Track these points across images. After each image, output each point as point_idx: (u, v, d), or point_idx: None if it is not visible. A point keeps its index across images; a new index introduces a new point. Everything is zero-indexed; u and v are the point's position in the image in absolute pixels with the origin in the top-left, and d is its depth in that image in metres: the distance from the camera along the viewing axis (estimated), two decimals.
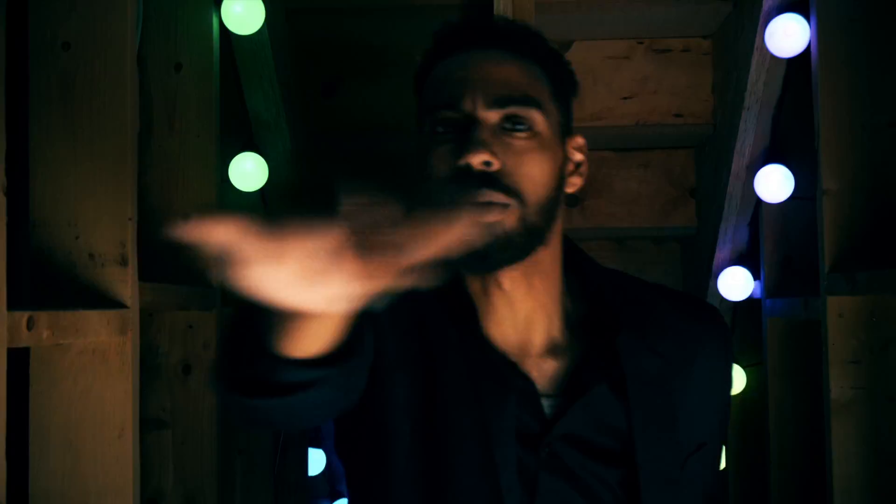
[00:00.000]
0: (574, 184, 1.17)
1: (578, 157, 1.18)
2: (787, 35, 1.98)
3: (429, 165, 1.08)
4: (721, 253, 2.44)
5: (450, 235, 0.67)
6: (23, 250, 1.45)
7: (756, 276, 2.39)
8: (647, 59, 2.51)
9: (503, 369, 1.11)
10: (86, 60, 1.49)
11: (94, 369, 1.47)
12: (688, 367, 1.18)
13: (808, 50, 1.99)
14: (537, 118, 1.10)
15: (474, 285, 1.15)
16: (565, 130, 1.16)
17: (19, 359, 1.39)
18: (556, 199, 1.13)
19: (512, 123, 1.09)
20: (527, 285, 1.13)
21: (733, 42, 2.29)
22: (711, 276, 2.46)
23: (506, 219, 1.06)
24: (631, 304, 1.18)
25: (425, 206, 0.67)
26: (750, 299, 2.43)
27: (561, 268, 1.17)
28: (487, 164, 1.05)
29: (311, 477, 2.81)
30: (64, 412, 1.47)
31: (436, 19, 2.32)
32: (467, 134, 1.06)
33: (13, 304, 1.13)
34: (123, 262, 1.47)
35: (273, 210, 0.67)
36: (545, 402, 1.12)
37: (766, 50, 2.04)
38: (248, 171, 2.19)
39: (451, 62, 1.13)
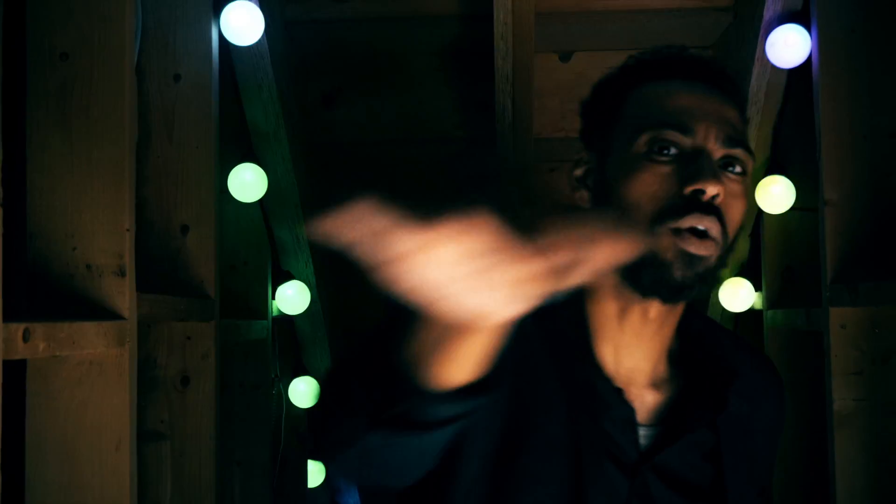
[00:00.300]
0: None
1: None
2: (788, 46, 1.98)
3: (638, 183, 1.08)
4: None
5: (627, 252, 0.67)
6: (19, 261, 1.44)
7: (757, 287, 2.39)
8: None
9: (608, 395, 1.11)
10: (84, 70, 1.48)
11: (92, 381, 1.45)
12: (758, 413, 1.21)
13: (808, 60, 1.99)
14: (749, 164, 1.11)
15: (608, 309, 1.14)
16: None
17: (16, 371, 1.38)
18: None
19: (728, 164, 1.09)
20: (664, 319, 1.14)
21: (734, 52, 2.29)
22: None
23: (712, 256, 1.07)
24: (728, 348, 1.21)
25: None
26: (751, 310, 2.42)
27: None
28: (715, 197, 1.05)
29: (311, 489, 2.80)
30: (61, 424, 1.45)
31: (436, 29, 2.34)
32: (698, 162, 1.06)
33: (9, 316, 1.12)
34: (121, 274, 1.46)
35: (428, 204, 0.64)
36: (641, 432, 1.13)
37: (767, 60, 2.04)
38: (248, 182, 2.19)
39: (675, 87, 1.12)
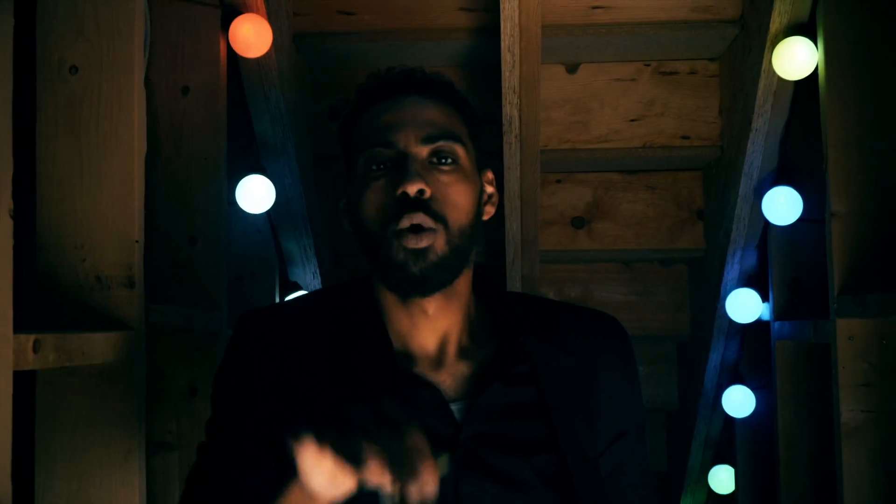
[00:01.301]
0: (488, 212, 1.33)
1: (490, 189, 1.34)
2: (795, 58, 1.98)
3: (365, 200, 1.23)
4: (729, 275, 2.44)
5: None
6: (29, 273, 1.45)
7: (765, 299, 2.39)
8: (654, 82, 2.51)
9: (410, 384, 1.22)
10: (93, 84, 1.49)
11: (101, 392, 1.46)
12: (593, 363, 1.30)
13: (815, 72, 1.99)
14: (460, 152, 1.25)
15: (397, 311, 1.27)
16: (481, 164, 1.31)
17: (26, 382, 1.39)
18: (477, 224, 1.28)
19: (438, 158, 1.24)
20: (446, 306, 1.27)
21: (740, 64, 2.29)
22: (719, 298, 2.46)
23: (436, 242, 1.21)
24: (535, 312, 1.32)
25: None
26: (758, 321, 2.42)
27: (471, 284, 1.31)
28: (421, 192, 1.20)
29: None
30: (70, 435, 1.46)
31: (443, 42, 2.35)
32: (402, 167, 1.21)
33: (19, 327, 1.12)
34: (130, 285, 1.47)
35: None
36: (454, 407, 1.23)
37: (774, 73, 2.04)
38: (255, 194, 2.19)
39: (379, 108, 1.27)
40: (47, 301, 1.47)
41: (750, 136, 2.20)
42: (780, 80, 2.06)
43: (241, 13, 1.99)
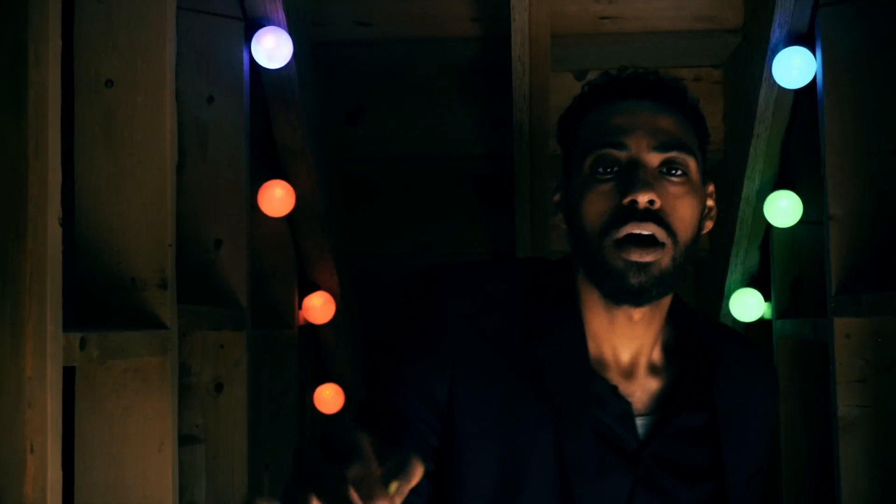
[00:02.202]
0: (707, 226, 1.29)
1: (711, 202, 1.29)
2: (794, 67, 2.05)
3: (587, 203, 1.19)
4: (733, 275, 2.51)
5: None
6: (69, 275, 1.54)
7: (767, 298, 2.46)
8: None
9: (604, 394, 1.21)
10: (128, 97, 1.58)
11: (136, 387, 1.55)
12: (751, 398, 1.30)
13: (814, 81, 2.07)
14: (691, 164, 1.20)
15: (599, 316, 1.24)
16: (705, 176, 1.27)
17: (66, 378, 1.48)
18: (698, 239, 1.24)
19: (668, 168, 1.19)
20: (650, 318, 1.24)
21: (742, 72, 2.37)
22: (724, 297, 2.53)
23: (663, 259, 1.16)
24: (716, 338, 1.31)
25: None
26: (761, 320, 2.49)
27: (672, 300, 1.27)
28: (652, 202, 1.15)
29: None
30: (107, 428, 1.55)
31: (455, 51, 2.44)
32: (632, 174, 1.17)
33: (66, 326, 1.21)
34: (163, 286, 1.56)
35: None
36: (639, 422, 1.22)
37: (774, 81, 2.11)
38: (276, 198, 2.29)
39: (611, 108, 1.23)
40: (86, 301, 1.56)
41: (752, 141, 2.27)
42: (781, 88, 2.14)
43: (263, 26, 2.07)
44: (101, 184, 1.58)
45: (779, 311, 2.41)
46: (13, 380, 1.10)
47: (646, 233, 1.15)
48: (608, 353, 1.25)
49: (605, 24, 2.37)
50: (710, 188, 1.29)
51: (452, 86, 2.59)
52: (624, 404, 1.21)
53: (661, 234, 1.15)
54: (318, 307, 2.55)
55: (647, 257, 1.15)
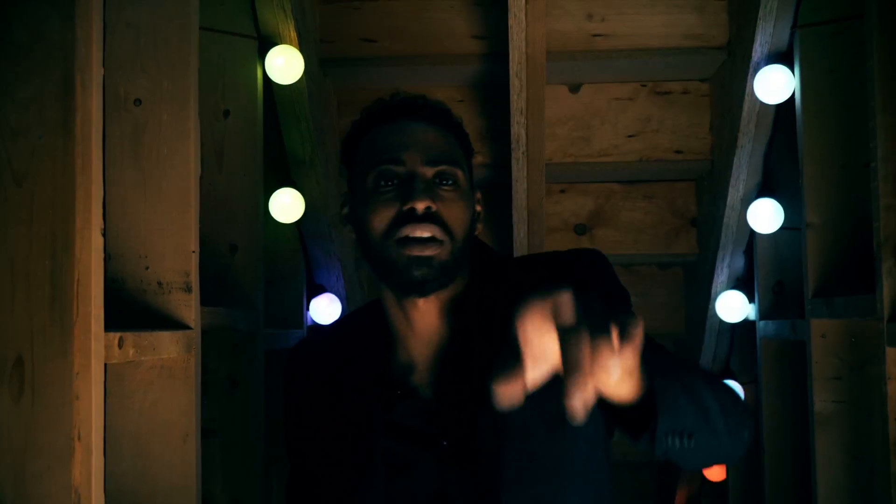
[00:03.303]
0: (479, 228, 1.45)
1: (479, 207, 1.45)
2: (774, 84, 2.18)
3: (372, 212, 1.35)
4: (719, 278, 2.63)
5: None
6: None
7: (751, 300, 2.58)
8: (650, 101, 2.71)
9: (392, 400, 1.40)
10: (155, 114, 1.70)
11: (162, 383, 1.67)
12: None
13: (793, 97, 2.19)
14: (459, 174, 1.38)
15: (398, 315, 1.43)
16: (472, 186, 1.44)
17: None
18: (472, 237, 1.41)
19: (440, 179, 1.36)
20: (439, 308, 1.40)
21: (728, 87, 2.49)
22: (711, 299, 2.65)
23: (440, 253, 1.33)
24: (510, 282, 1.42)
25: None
26: (746, 321, 2.61)
27: (462, 291, 1.43)
28: (428, 208, 1.33)
29: None
30: (135, 421, 1.67)
31: (457, 67, 2.55)
32: (410, 185, 1.34)
33: (106, 327, 1.33)
34: (188, 290, 1.68)
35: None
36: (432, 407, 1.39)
37: (756, 96, 2.24)
38: (287, 205, 2.40)
39: (387, 129, 1.40)
40: (115, 303, 1.68)
41: (736, 152, 2.39)
42: (762, 103, 2.26)
43: (275, 44, 2.20)
44: (129, 195, 1.69)
45: (762, 313, 2.52)
46: (62, 375, 1.21)
47: (426, 235, 1.32)
48: (416, 355, 1.42)
49: (598, 41, 2.49)
50: (478, 196, 1.46)
51: (454, 99, 2.70)
52: (415, 401, 1.38)
53: (438, 233, 1.33)
54: (325, 308, 2.66)
55: (427, 252, 1.32)
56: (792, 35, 2.19)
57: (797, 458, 2.45)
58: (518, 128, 2.35)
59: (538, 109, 2.34)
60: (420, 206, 1.32)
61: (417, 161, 1.36)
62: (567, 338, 0.85)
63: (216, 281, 2.14)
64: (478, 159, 2.74)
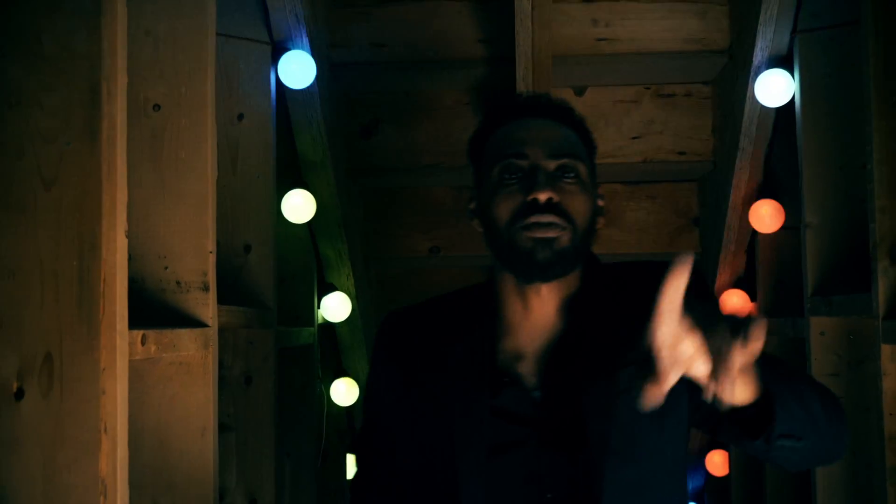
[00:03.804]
0: (601, 222, 1.52)
1: (601, 202, 1.52)
2: (775, 88, 2.23)
3: (497, 203, 1.43)
4: (721, 277, 2.68)
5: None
6: None
7: (753, 299, 2.63)
8: (654, 104, 2.76)
9: (498, 383, 1.45)
10: (173, 119, 1.75)
11: (181, 379, 1.73)
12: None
13: (793, 100, 2.24)
14: (581, 168, 1.45)
15: (515, 303, 1.48)
16: (595, 180, 1.50)
17: None
18: (594, 229, 1.48)
19: (562, 172, 1.43)
20: (558, 298, 1.47)
21: (729, 90, 2.54)
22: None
23: (562, 236, 1.40)
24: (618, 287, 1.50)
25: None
26: None
27: (578, 290, 1.49)
28: (549, 199, 1.40)
29: (349, 480, 3.06)
30: (155, 415, 1.73)
31: (464, 70, 2.61)
32: (533, 177, 1.41)
33: (130, 325, 1.39)
34: (205, 289, 1.74)
35: None
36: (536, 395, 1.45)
37: (756, 100, 2.29)
38: (298, 206, 2.46)
39: (512, 126, 1.48)
40: (136, 302, 1.74)
41: (738, 153, 2.43)
42: (763, 106, 2.31)
43: (288, 49, 2.25)
44: (148, 197, 1.75)
45: (763, 311, 2.55)
46: (89, 371, 1.27)
47: (546, 221, 1.39)
48: (526, 344, 1.47)
49: (602, 45, 2.54)
50: (601, 191, 1.52)
51: (461, 103, 2.77)
52: (521, 390, 1.44)
53: (559, 221, 1.40)
54: (335, 306, 2.71)
55: (550, 234, 1.39)
56: (792, 40, 2.23)
57: None
58: None
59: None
60: (542, 197, 1.39)
61: (540, 155, 1.43)
62: (712, 340, 1.03)
63: (230, 280, 2.20)
64: None
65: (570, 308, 1.48)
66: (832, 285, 2.15)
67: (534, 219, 1.39)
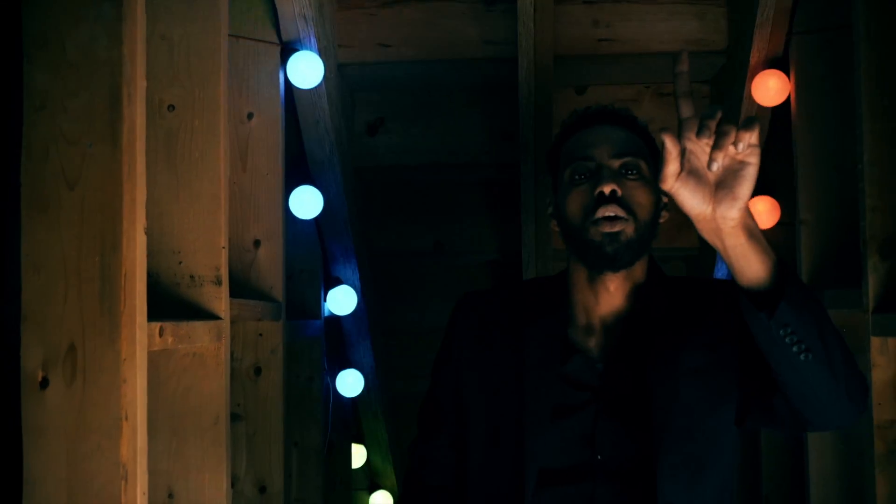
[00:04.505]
0: (664, 216, 1.68)
1: (666, 199, 1.66)
2: (770, 88, 2.29)
3: (570, 201, 1.59)
4: (719, 272, 2.73)
5: None
6: None
7: None
8: (654, 103, 2.81)
9: (569, 354, 1.61)
10: (187, 120, 1.81)
11: (195, 370, 1.80)
12: (699, 309, 1.64)
13: (789, 100, 2.30)
14: (642, 165, 1.60)
15: (585, 290, 1.63)
16: (657, 177, 1.58)
17: None
18: (656, 222, 1.64)
19: (626, 169, 1.58)
20: (625, 288, 1.62)
21: (727, 89, 2.59)
22: None
23: (626, 228, 1.55)
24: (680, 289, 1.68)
25: None
26: None
27: (643, 282, 1.65)
28: (614, 192, 1.55)
29: (354, 469, 3.13)
30: (169, 405, 1.79)
31: (467, 70, 2.67)
32: (599, 174, 1.57)
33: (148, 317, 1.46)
34: (218, 283, 1.80)
35: None
36: (601, 367, 1.61)
37: (753, 99, 2.34)
38: (306, 202, 2.52)
39: (581, 134, 1.64)
40: (151, 295, 1.80)
41: None
42: (759, 105, 2.37)
43: (297, 50, 2.31)
44: (163, 195, 1.81)
45: None
46: (111, 361, 1.32)
47: (610, 213, 1.53)
48: (595, 325, 1.63)
49: (603, 45, 2.59)
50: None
51: (465, 101, 2.82)
52: (588, 359, 1.60)
53: (621, 212, 1.54)
54: (341, 300, 2.77)
55: (616, 227, 1.54)
56: (787, 42, 2.29)
57: (794, 442, 2.56)
58: (527, 130, 2.46)
59: (546, 112, 2.45)
60: (607, 189, 1.54)
61: (605, 155, 1.59)
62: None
63: (241, 274, 2.26)
64: (486, 160, 2.87)
65: (636, 295, 1.63)
66: (826, 280, 2.21)
67: (601, 212, 1.54)
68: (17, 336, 1.34)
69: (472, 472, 1.66)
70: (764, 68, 2.31)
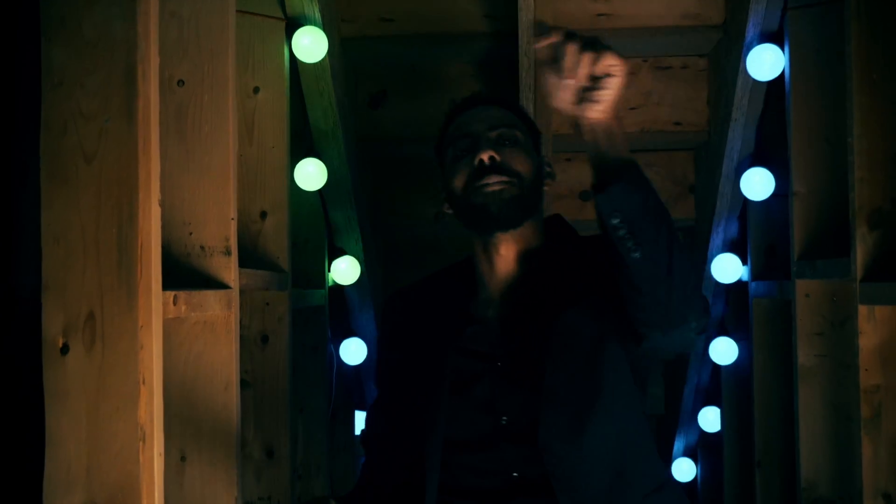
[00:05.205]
0: (548, 184, 1.76)
1: (548, 168, 1.77)
2: (765, 62, 2.33)
3: (454, 175, 1.69)
4: (715, 242, 2.79)
5: None
6: None
7: (745, 262, 2.74)
8: (651, 76, 2.85)
9: (465, 326, 1.71)
10: (197, 95, 1.86)
11: (205, 338, 1.86)
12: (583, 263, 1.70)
13: (783, 74, 2.34)
14: (518, 134, 1.71)
15: (483, 261, 1.72)
16: (538, 149, 1.77)
17: None
18: (540, 185, 1.71)
19: (502, 139, 1.68)
20: (516, 252, 1.69)
21: (724, 63, 2.64)
22: (707, 261, 2.80)
23: (508, 188, 1.63)
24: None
25: None
26: (739, 282, 2.78)
27: (541, 241, 1.72)
28: (492, 158, 1.64)
29: (357, 435, 3.19)
30: (181, 371, 1.85)
31: (468, 44, 2.71)
32: (476, 145, 1.67)
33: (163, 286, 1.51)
34: (227, 253, 1.86)
35: None
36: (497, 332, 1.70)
37: (748, 74, 2.39)
38: (310, 174, 2.57)
39: (459, 117, 1.76)
40: (164, 265, 1.85)
41: (730, 125, 2.54)
42: (754, 80, 2.41)
43: (301, 25, 2.35)
44: (173, 168, 1.85)
45: (754, 274, 2.67)
46: (129, 328, 1.38)
47: (493, 180, 1.63)
48: (492, 292, 1.72)
49: (602, 20, 2.63)
50: (546, 158, 1.79)
51: (466, 75, 2.86)
52: (484, 329, 1.69)
53: (505, 177, 1.63)
54: (345, 270, 2.83)
55: (498, 186, 1.63)
56: (783, 16, 2.32)
57: (785, 408, 2.62)
58: (527, 102, 2.51)
59: (545, 86, 2.48)
60: (485, 156, 1.64)
61: (482, 128, 1.69)
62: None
63: (248, 245, 2.32)
64: None
65: (529, 261, 1.70)
66: (817, 250, 2.26)
67: (483, 181, 1.63)
68: (38, 304, 1.40)
69: (403, 456, 1.76)
70: (759, 42, 2.35)
